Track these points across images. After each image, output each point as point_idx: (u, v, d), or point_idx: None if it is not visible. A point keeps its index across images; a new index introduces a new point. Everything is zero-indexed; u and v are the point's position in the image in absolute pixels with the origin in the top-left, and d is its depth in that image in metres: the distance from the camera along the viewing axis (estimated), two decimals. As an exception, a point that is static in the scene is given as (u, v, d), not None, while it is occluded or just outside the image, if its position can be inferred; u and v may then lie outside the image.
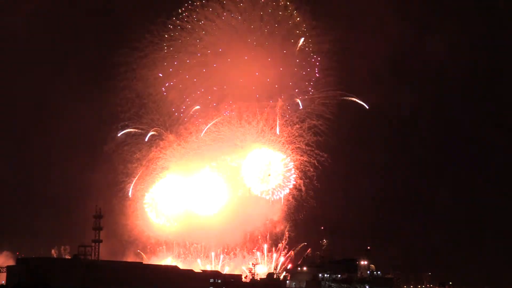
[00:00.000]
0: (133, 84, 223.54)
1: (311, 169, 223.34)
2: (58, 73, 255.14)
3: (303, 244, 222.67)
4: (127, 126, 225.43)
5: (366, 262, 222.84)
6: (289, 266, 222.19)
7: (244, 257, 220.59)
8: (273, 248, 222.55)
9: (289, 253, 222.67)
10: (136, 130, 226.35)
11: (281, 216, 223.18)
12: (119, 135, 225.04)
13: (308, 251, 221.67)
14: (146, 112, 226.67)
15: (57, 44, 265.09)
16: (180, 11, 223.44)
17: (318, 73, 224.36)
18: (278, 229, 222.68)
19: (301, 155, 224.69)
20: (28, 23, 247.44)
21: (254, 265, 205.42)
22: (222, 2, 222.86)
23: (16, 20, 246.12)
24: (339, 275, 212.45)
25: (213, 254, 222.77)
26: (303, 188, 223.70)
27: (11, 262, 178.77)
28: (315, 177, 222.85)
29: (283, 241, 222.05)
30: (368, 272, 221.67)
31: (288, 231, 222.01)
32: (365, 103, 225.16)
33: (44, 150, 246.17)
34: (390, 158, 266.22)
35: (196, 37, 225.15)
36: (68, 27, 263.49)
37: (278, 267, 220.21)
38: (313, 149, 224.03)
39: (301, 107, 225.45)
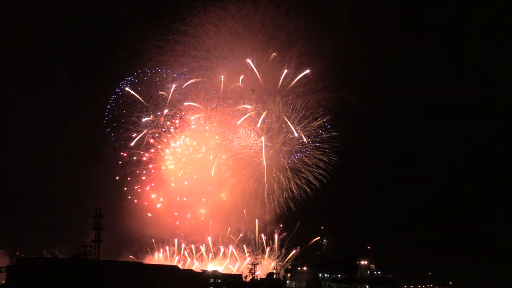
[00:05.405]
0: (135, 86, 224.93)
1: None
2: (60, 75, 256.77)
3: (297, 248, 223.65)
4: (128, 129, 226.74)
5: (366, 262, 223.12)
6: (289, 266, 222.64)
7: (236, 260, 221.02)
8: (268, 248, 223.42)
9: (286, 252, 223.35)
10: (136, 132, 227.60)
11: (274, 217, 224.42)
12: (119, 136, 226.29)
13: (297, 249, 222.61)
14: (148, 115, 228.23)
15: (60, 45, 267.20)
16: (183, 15, 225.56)
17: (317, 75, 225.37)
18: (269, 230, 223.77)
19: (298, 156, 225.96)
20: (32, 24, 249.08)
21: (254, 265, 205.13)
22: (224, 7, 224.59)
23: (19, 21, 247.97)
24: (339, 275, 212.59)
25: (210, 254, 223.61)
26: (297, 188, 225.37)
27: (6, 261, 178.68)
28: (311, 178, 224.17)
29: (277, 242, 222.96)
30: (368, 272, 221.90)
31: (278, 230, 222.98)
32: (363, 106, 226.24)
33: (44, 150, 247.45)
34: (389, 158, 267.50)
35: (199, 41, 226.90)
36: (71, 29, 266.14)
37: (279, 267, 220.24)
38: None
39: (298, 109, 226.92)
